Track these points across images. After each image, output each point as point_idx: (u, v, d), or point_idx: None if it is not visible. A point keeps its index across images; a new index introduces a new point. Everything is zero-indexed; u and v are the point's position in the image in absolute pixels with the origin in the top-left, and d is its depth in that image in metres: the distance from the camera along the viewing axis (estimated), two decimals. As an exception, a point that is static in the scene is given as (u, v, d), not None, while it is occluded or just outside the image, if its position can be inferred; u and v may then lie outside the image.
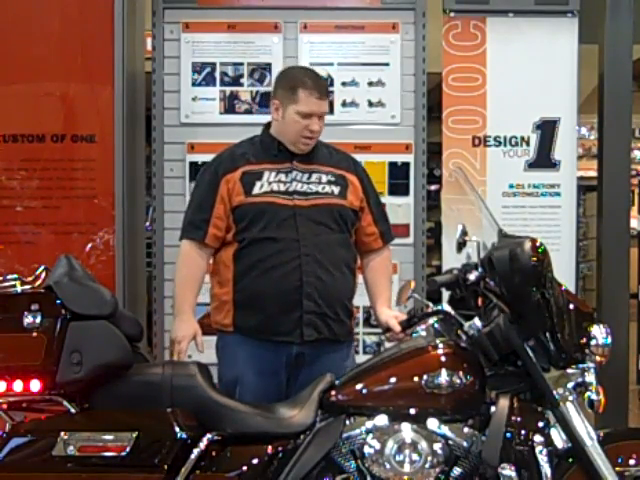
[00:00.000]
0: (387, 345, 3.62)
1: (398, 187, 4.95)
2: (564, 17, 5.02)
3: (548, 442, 3.23)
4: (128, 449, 3.13)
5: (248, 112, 4.98)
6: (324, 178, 3.83)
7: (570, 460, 3.26)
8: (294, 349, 3.75)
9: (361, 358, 4.29)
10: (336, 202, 3.82)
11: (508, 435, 3.18)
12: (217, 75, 4.91)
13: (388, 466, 3.20)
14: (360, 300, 4.91)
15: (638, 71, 5.71)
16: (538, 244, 3.28)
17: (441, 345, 3.37)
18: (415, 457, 3.20)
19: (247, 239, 3.75)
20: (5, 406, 3.23)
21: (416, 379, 3.26)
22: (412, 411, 3.25)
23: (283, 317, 3.72)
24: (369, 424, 3.25)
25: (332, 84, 4.95)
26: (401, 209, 4.93)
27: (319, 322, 3.74)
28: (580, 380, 3.30)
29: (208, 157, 4.08)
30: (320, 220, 3.77)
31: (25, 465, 3.15)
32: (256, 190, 3.77)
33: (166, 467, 3.13)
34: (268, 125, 3.91)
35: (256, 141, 3.92)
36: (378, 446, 3.22)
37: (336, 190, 3.83)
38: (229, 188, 3.77)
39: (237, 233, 3.78)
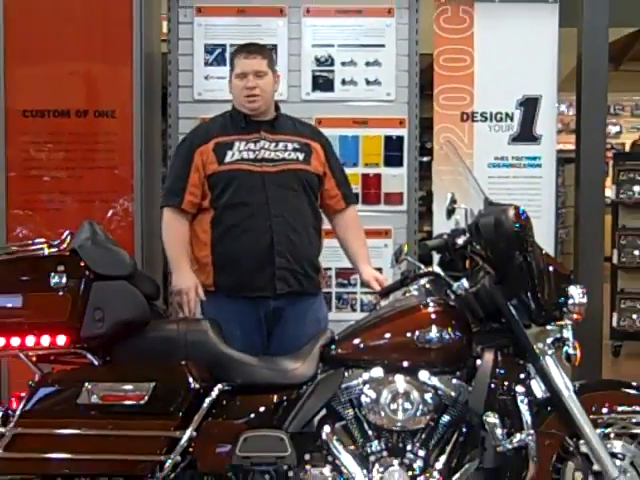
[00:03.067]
0: (382, 304, 3.61)
1: (393, 159, 4.92)
2: (546, 3, 4.96)
3: (529, 392, 3.24)
4: (146, 398, 3.14)
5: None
6: (290, 146, 3.85)
7: (548, 409, 3.28)
8: (270, 304, 3.77)
9: (359, 315, 4.28)
10: (301, 167, 3.84)
11: (492, 386, 3.19)
12: (227, 55, 4.84)
13: (383, 414, 3.22)
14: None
15: (613, 52, 5.66)
16: (521, 211, 3.27)
17: (432, 304, 3.36)
18: (407, 406, 3.21)
19: (221, 205, 3.77)
20: (34, 358, 3.24)
21: (409, 335, 3.27)
22: (405, 364, 3.26)
23: (257, 274, 3.74)
24: (366, 376, 3.26)
25: (333, 64, 4.91)
26: (395, 179, 4.90)
27: (290, 277, 3.78)
28: (558, 336, 3.30)
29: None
30: (287, 184, 3.80)
31: (52, 412, 3.17)
32: (227, 158, 3.78)
33: (180, 414, 3.15)
34: None
35: (227, 116, 3.95)
36: (374, 396, 3.23)
37: (301, 156, 3.85)
38: (203, 159, 3.78)
39: (213, 200, 3.79)
